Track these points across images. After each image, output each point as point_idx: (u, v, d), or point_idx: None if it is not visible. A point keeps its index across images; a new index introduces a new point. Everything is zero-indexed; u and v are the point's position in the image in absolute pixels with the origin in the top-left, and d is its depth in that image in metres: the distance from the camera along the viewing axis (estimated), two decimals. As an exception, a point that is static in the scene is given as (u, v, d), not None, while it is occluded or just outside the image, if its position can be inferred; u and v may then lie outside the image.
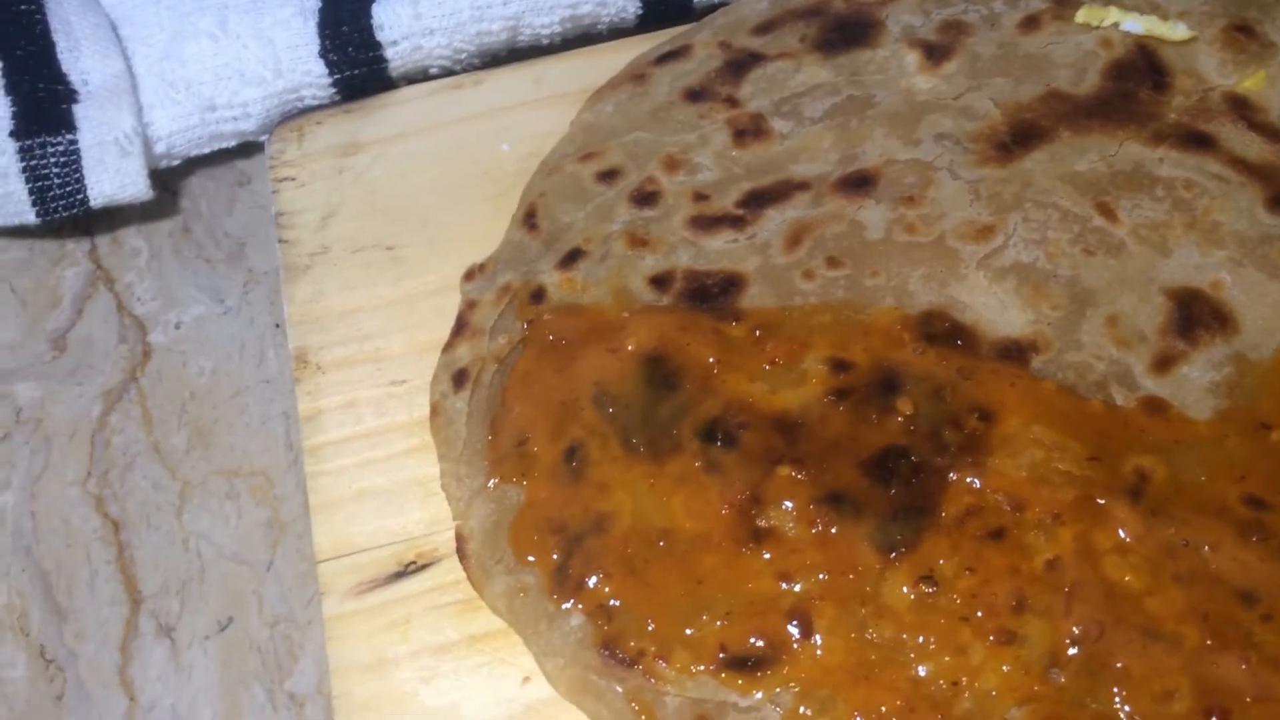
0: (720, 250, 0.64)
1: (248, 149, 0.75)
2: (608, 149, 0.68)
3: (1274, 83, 0.66)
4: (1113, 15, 0.68)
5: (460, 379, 0.62)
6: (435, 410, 0.61)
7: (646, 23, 0.76)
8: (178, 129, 0.72)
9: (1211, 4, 0.69)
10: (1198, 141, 0.64)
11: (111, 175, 0.70)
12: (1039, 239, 0.62)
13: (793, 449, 0.57)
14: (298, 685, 0.58)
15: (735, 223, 0.65)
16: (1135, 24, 0.68)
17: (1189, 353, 0.58)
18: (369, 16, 0.72)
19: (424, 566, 0.58)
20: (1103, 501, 0.54)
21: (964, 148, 0.65)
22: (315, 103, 0.73)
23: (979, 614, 0.52)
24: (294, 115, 0.73)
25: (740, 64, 0.70)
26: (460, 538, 0.57)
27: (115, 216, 0.73)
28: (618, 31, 0.76)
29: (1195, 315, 0.59)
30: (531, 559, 0.56)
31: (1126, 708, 0.50)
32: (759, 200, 0.65)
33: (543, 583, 0.55)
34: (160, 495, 0.64)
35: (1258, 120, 0.65)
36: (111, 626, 0.61)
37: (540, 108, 0.72)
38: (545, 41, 0.75)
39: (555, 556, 0.56)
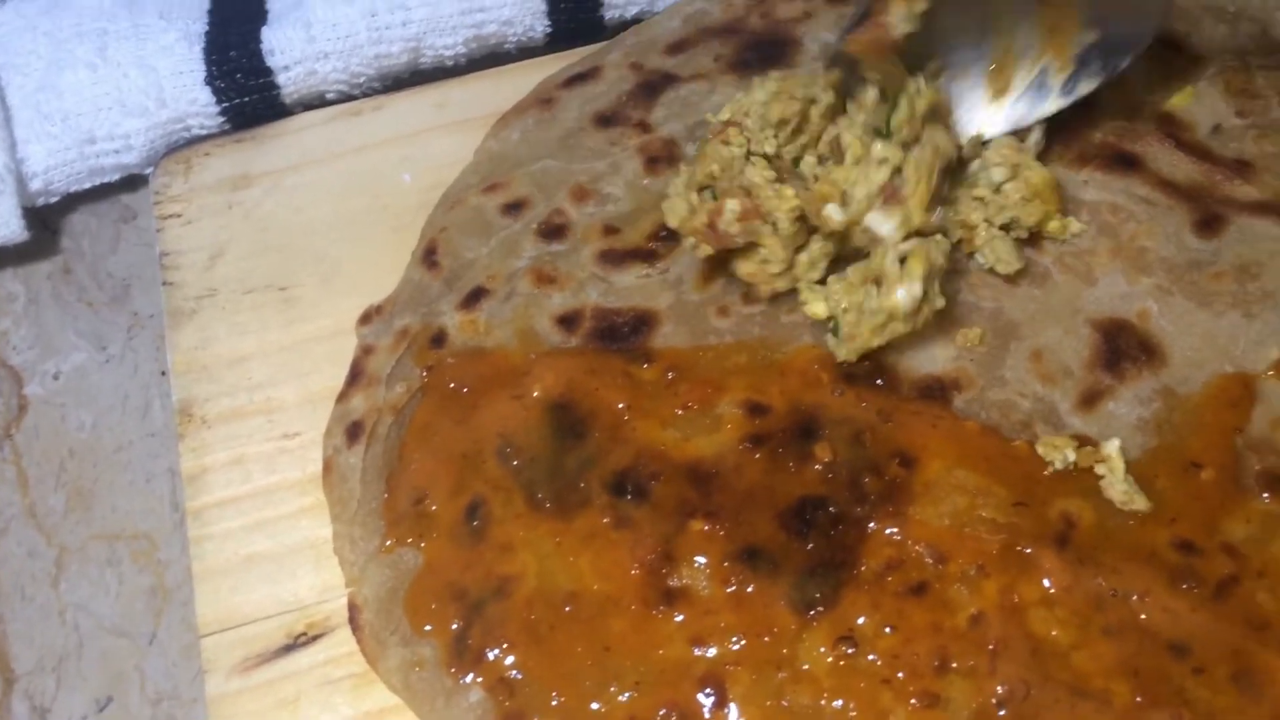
0: (631, 286, 0.61)
1: (133, 182, 0.71)
2: (513, 179, 0.65)
3: (1201, 98, 0.64)
4: (1037, 29, 0.66)
5: (354, 432, 0.58)
6: (328, 467, 0.58)
7: (556, 41, 0.72)
8: (55, 164, 0.68)
9: (1138, 17, 0.67)
10: (1124, 163, 0.61)
11: (-18, 215, 0.66)
12: (961, 269, 0.59)
13: (706, 501, 0.54)
14: (183, 767, 0.55)
15: (647, 257, 0.62)
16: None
17: (1116, 388, 0.56)
18: (258, 41, 0.68)
19: (315, 638, 0.54)
20: (1028, 550, 0.51)
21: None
22: (203, 132, 0.69)
23: (900, 675, 0.50)
24: (181, 146, 0.69)
25: (653, 86, 0.67)
26: (353, 607, 0.54)
27: (-11, 258, 0.69)
28: (526, 51, 0.72)
29: (1122, 348, 0.57)
30: (429, 629, 0.52)
31: (1055, 773, 0.47)
32: (672, 233, 0.62)
33: (441, 655, 0.52)
34: (36, 563, 0.60)
35: (1185, 139, 0.63)
36: (-17, 707, 0.57)
37: (444, 134, 0.69)
38: (450, 63, 0.71)
39: (454, 626, 0.52)
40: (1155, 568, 0.51)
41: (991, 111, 0.61)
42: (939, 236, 0.57)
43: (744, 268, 0.58)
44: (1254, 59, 0.65)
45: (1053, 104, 0.61)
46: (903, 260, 0.55)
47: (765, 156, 0.58)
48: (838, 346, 0.56)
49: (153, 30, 0.68)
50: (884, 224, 0.56)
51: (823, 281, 0.58)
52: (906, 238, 0.56)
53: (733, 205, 0.57)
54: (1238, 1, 0.67)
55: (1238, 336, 0.57)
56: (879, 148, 0.56)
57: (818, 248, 0.58)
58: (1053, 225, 0.60)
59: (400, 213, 0.65)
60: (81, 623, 0.58)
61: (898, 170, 0.56)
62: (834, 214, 0.56)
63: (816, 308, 0.57)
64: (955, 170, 0.59)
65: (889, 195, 0.55)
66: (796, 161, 0.59)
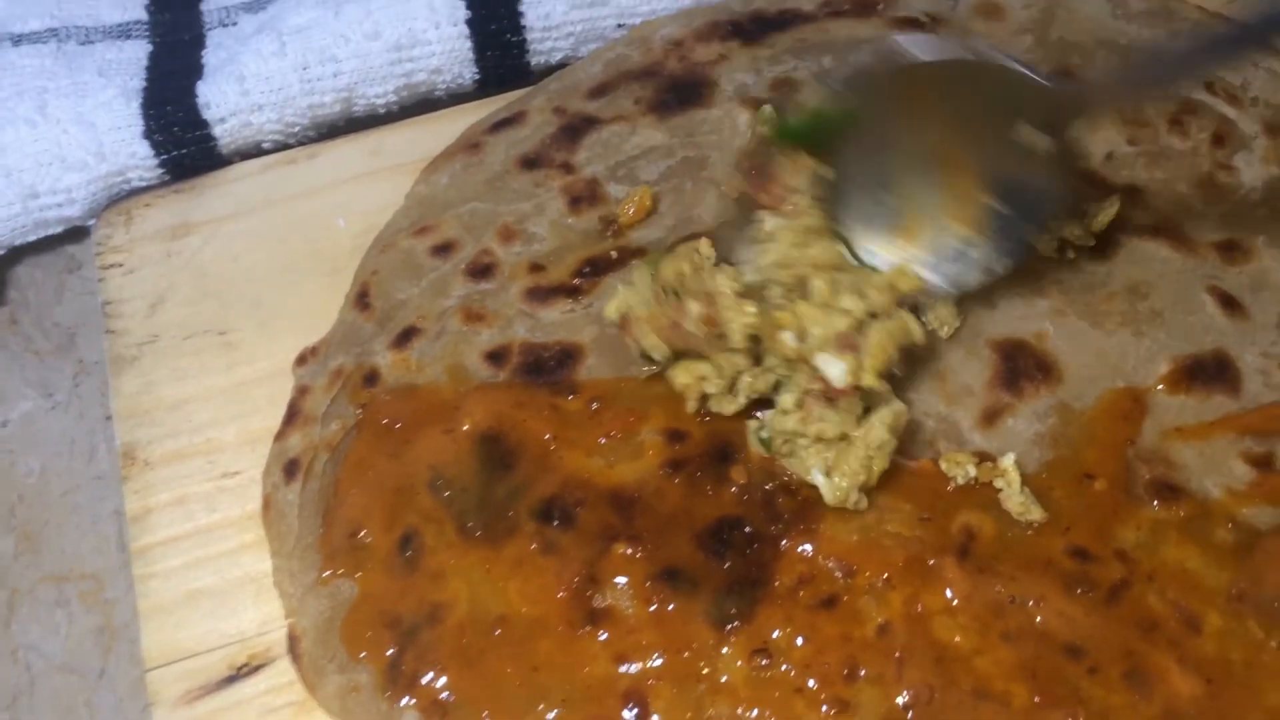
0: (557, 321, 0.63)
1: (77, 233, 0.73)
2: (442, 222, 0.67)
3: (1095, 128, 0.68)
4: (937, 68, 0.69)
5: (292, 469, 0.60)
6: (267, 503, 0.60)
7: (485, 87, 0.75)
8: (0, 218, 0.70)
9: (1033, 51, 0.70)
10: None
11: (-71, 270, 0.68)
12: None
13: (629, 525, 0.57)
14: (132, 799, 0.57)
15: (571, 293, 0.64)
16: (960, 75, 0.69)
17: (1015, 405, 0.59)
18: (194, 95, 0.70)
19: (257, 668, 0.56)
20: (932, 562, 0.54)
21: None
22: (143, 184, 0.71)
23: (812, 684, 0.52)
24: (121, 198, 0.71)
25: (575, 129, 0.70)
26: (293, 637, 0.56)
27: (-64, 311, 0.71)
28: (456, 96, 0.75)
29: (1020, 367, 0.60)
30: (364, 656, 0.55)
31: (958, 772, 0.50)
32: (595, 268, 0.65)
33: (376, 680, 0.54)
34: (-14, 606, 0.62)
35: (1080, 166, 0.66)
36: (-62, 748, 0.58)
37: (378, 179, 0.71)
38: (382, 110, 0.74)
39: (389, 652, 0.55)
40: (1051, 575, 0.54)
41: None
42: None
43: (680, 378, 0.59)
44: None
45: (975, 277, 0.60)
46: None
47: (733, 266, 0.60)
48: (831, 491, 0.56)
49: (91, 87, 0.71)
50: (833, 365, 0.56)
51: (748, 413, 0.58)
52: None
53: (695, 306, 0.57)
54: (1129, 35, 0.71)
55: (1128, 353, 0.60)
56: (846, 300, 0.57)
57: (759, 379, 0.58)
58: None
59: (335, 257, 0.68)
60: (33, 662, 0.60)
61: (859, 325, 0.57)
62: (789, 340, 0.56)
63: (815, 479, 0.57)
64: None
65: (845, 344, 0.56)
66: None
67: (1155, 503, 0.56)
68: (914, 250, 0.60)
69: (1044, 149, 0.58)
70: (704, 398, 0.58)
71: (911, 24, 0.72)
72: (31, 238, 0.71)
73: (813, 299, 0.58)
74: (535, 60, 0.75)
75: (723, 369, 0.58)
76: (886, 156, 0.60)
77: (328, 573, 0.57)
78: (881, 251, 0.61)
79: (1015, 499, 0.55)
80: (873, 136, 0.60)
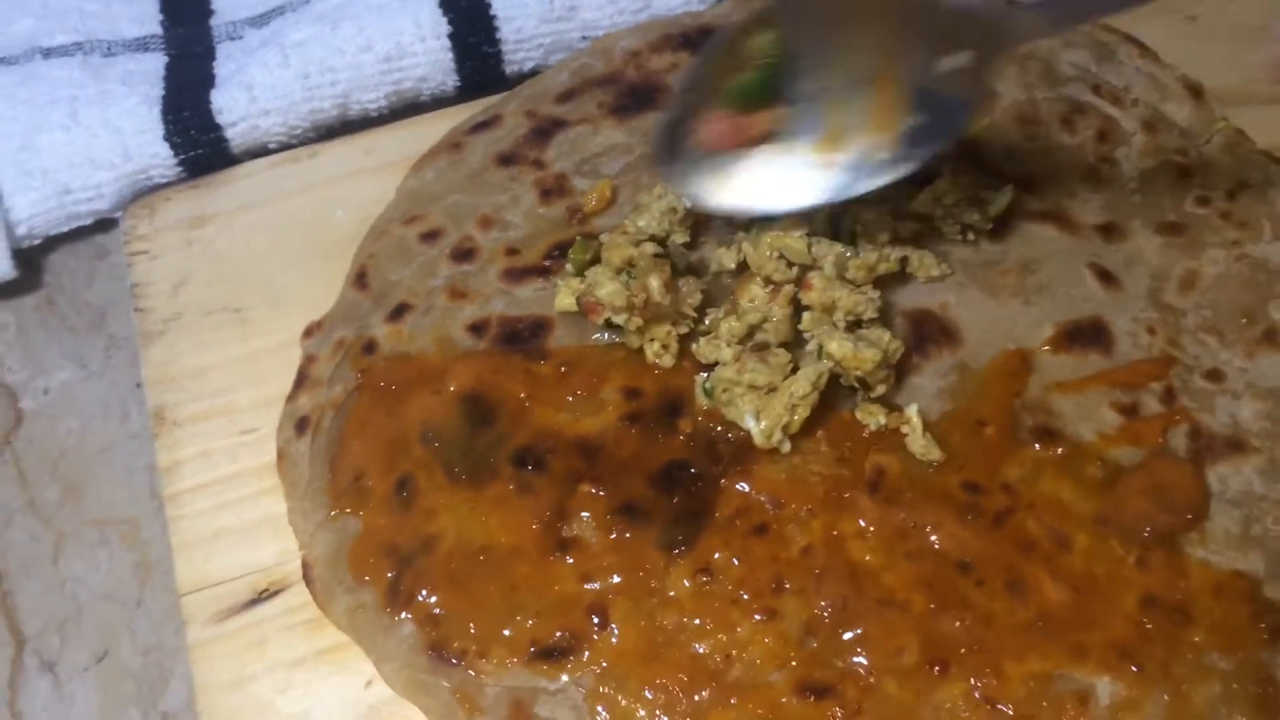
0: (530, 298, 0.73)
1: (104, 225, 0.82)
2: (430, 212, 0.77)
3: (997, 127, 0.77)
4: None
5: (302, 425, 0.70)
6: (281, 455, 0.69)
7: (466, 93, 0.85)
8: (37, 212, 0.79)
9: (945, 59, 0.80)
10: (928, 180, 0.74)
11: (-24, 258, 0.77)
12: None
13: (593, 469, 0.66)
14: (170, 705, 0.66)
15: (543, 273, 0.74)
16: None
17: (921, 365, 0.69)
18: (208, 102, 0.79)
19: (276, 593, 0.66)
20: (847, 495, 0.64)
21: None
22: (164, 180, 0.81)
23: (746, 596, 0.62)
24: (145, 193, 0.81)
25: (545, 130, 0.80)
26: (306, 565, 0.65)
27: (-18, 295, 0.80)
28: (439, 101, 0.85)
29: (926, 332, 0.70)
30: (368, 579, 0.64)
31: (866, 663, 0.60)
32: (563, 252, 0.74)
33: (379, 599, 0.64)
34: (37, 546, 0.71)
35: (981, 160, 0.76)
36: (-1, 667, 0.68)
37: (371, 176, 0.81)
38: (374, 114, 0.84)
39: (389, 575, 0.64)
40: (947, 505, 0.64)
41: (816, 178, 0.68)
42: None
43: (655, 336, 0.68)
44: (1039, 92, 0.78)
45: (874, 181, 0.67)
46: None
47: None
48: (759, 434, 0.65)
49: (116, 96, 0.80)
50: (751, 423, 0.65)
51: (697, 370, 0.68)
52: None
53: (654, 281, 0.67)
54: (1026, 45, 0.81)
55: (1018, 320, 0.70)
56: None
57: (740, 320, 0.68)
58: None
59: (335, 244, 0.77)
60: (79, 592, 0.69)
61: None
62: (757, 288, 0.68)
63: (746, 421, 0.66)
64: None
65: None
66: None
67: (1037, 445, 0.66)
68: (839, 157, 0.68)
69: (965, 70, 0.65)
70: (683, 340, 0.68)
71: (840, 36, 0.82)
72: (64, 229, 0.81)
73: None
74: (510, 69, 0.84)
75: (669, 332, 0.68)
76: (820, 73, 0.68)
77: (335, 512, 0.66)
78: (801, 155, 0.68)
79: (918, 442, 0.65)
80: (808, 56, 0.68)
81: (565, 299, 0.70)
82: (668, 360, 0.69)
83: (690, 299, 0.68)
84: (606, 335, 0.70)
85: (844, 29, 0.68)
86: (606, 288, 0.68)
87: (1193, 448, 0.65)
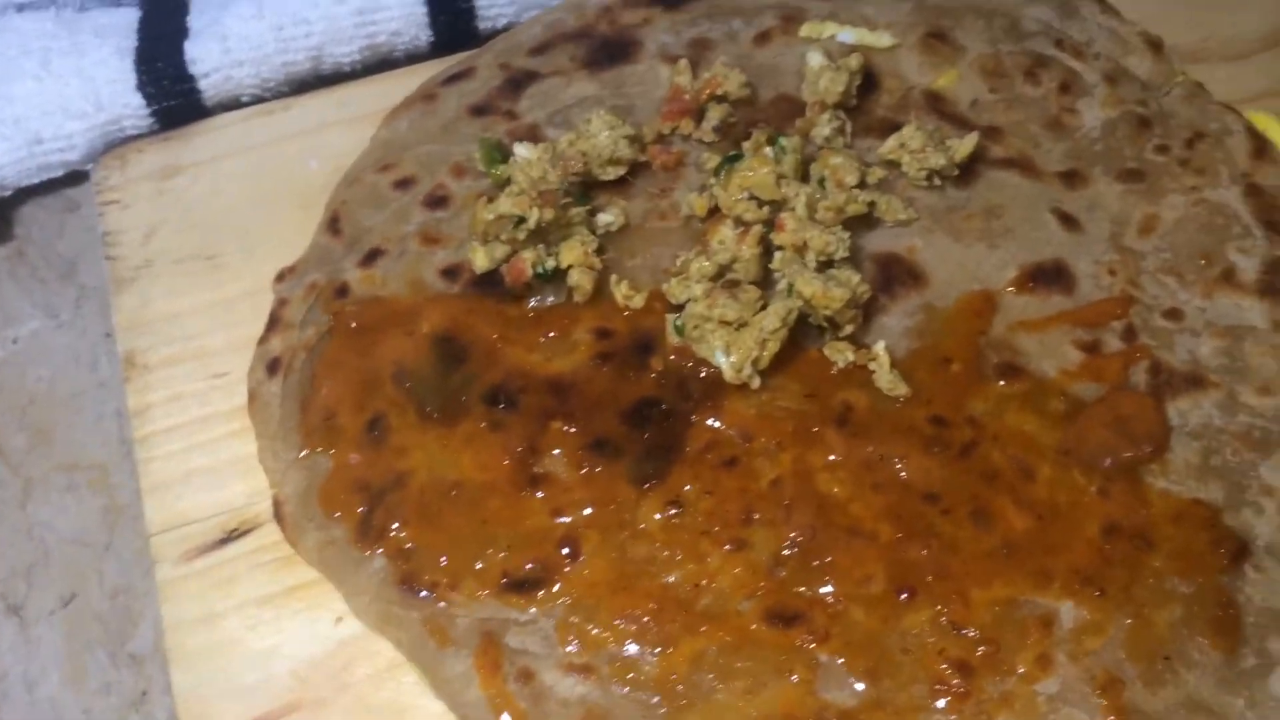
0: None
1: (75, 178, 0.82)
2: (403, 160, 0.77)
3: (964, 79, 0.79)
4: (830, 28, 0.80)
5: (274, 367, 0.70)
6: (252, 396, 0.69)
7: (439, 49, 0.85)
8: (7, 162, 0.79)
9: (912, 15, 0.82)
10: (895, 130, 0.75)
11: (-55, 208, 0.77)
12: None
13: (564, 406, 0.67)
14: (138, 647, 0.66)
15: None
16: (848, 35, 0.80)
17: (889, 305, 0.70)
18: (182, 53, 0.80)
19: (246, 532, 0.66)
20: (816, 429, 0.65)
21: (704, 144, 0.76)
22: (136, 132, 0.81)
23: (716, 528, 0.63)
24: (117, 144, 0.81)
25: (518, 82, 0.80)
26: (277, 503, 0.66)
27: (-49, 246, 0.80)
28: (413, 56, 0.85)
29: (894, 274, 0.71)
30: (339, 515, 0.64)
31: (833, 590, 0.61)
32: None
33: (349, 534, 0.64)
34: (4, 491, 0.70)
35: (949, 111, 0.78)
36: (-35, 610, 0.67)
37: (344, 128, 0.81)
38: (347, 68, 0.84)
39: (360, 510, 0.64)
40: (913, 437, 0.65)
41: None
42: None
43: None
44: (1004, 46, 0.80)
45: None
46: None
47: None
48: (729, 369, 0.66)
49: (89, 46, 0.80)
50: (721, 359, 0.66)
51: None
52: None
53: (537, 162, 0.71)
54: (993, 1, 0.82)
55: (983, 262, 0.71)
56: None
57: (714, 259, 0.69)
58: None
59: (308, 193, 0.77)
60: (46, 537, 0.69)
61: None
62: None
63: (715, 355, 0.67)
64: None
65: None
66: None
67: (1001, 381, 0.67)
68: None
69: None
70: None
71: (809, -6, 0.83)
72: (36, 180, 0.81)
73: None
74: (484, 25, 0.85)
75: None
76: None
77: (306, 450, 0.67)
78: None
79: (885, 378, 0.66)
80: None
81: (482, 260, 0.70)
82: (638, 301, 0.69)
83: (577, 218, 0.71)
84: (536, 300, 0.70)
85: None
86: (502, 204, 0.69)
87: (1153, 383, 0.67)
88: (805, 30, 0.81)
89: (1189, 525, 0.62)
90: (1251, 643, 0.59)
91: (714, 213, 0.72)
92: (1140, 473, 0.64)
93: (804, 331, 0.68)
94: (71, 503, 0.70)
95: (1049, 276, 0.70)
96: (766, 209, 0.70)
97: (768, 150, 0.71)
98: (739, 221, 0.69)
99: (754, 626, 0.60)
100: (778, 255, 0.69)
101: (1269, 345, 0.68)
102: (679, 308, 0.69)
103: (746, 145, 0.72)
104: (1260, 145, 0.75)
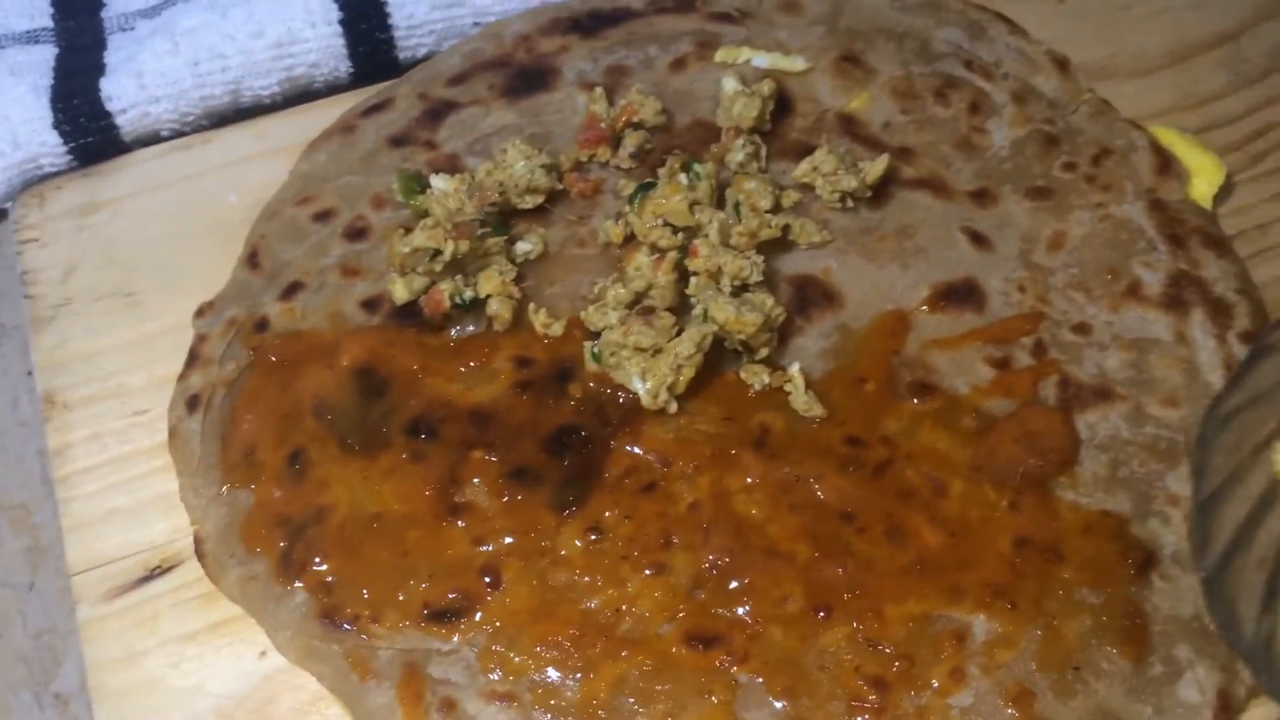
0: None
1: (-6, 216, 0.81)
2: (322, 192, 0.77)
3: (875, 101, 0.80)
4: (744, 53, 0.81)
5: (194, 403, 0.70)
6: (173, 433, 0.69)
7: (359, 79, 0.85)
8: (-76, 202, 0.78)
9: (825, 39, 0.83)
10: (809, 153, 0.77)
11: None
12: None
13: (484, 435, 0.67)
14: (62, 686, 0.65)
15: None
16: (762, 60, 0.81)
17: (805, 327, 0.71)
18: (98, 90, 0.79)
19: (168, 569, 0.66)
20: (733, 452, 0.66)
21: (622, 171, 0.77)
22: (54, 169, 0.80)
23: (636, 553, 0.63)
24: (35, 182, 0.80)
25: (437, 112, 0.81)
26: (198, 540, 0.66)
27: None
28: (334, 88, 0.85)
29: (809, 296, 0.72)
30: (260, 550, 0.64)
31: (751, 610, 0.62)
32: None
33: (271, 569, 0.64)
34: (-76, 534, 0.70)
35: (861, 133, 0.79)
36: (-116, 658, 0.66)
37: (264, 160, 0.81)
38: (267, 101, 0.84)
39: (281, 545, 0.64)
40: (829, 458, 0.66)
41: None
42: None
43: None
44: (915, 68, 0.81)
45: None
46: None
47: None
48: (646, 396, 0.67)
49: (4, 85, 0.80)
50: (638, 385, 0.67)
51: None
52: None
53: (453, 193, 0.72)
54: (904, 24, 0.84)
55: (896, 282, 0.73)
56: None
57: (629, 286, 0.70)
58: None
59: (228, 226, 0.77)
60: (-33, 579, 0.69)
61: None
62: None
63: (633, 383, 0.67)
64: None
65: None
66: None
67: (914, 399, 0.68)
68: None
69: None
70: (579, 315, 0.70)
71: (725, 19, 0.84)
72: (-47, 219, 0.80)
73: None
74: (403, 55, 0.85)
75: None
76: None
77: (227, 486, 0.67)
78: None
79: (800, 399, 0.67)
80: None
81: (400, 292, 0.71)
82: (557, 329, 0.70)
83: (494, 248, 0.72)
84: (456, 330, 0.71)
85: None
86: (418, 237, 0.70)
87: (1062, 397, 0.68)
88: (720, 55, 0.82)
89: (1098, 536, 0.64)
90: (1159, 650, 0.61)
91: (630, 240, 0.73)
92: (1050, 486, 0.65)
93: (720, 355, 0.69)
94: (-7, 544, 0.70)
95: (960, 295, 0.72)
96: (681, 235, 0.71)
97: (682, 177, 0.72)
98: (654, 248, 0.70)
99: (674, 649, 0.61)
100: (693, 281, 0.70)
101: (1174, 357, 0.70)
102: (597, 335, 0.70)
103: (661, 171, 0.73)
104: (1164, 161, 0.77)
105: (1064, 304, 0.72)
